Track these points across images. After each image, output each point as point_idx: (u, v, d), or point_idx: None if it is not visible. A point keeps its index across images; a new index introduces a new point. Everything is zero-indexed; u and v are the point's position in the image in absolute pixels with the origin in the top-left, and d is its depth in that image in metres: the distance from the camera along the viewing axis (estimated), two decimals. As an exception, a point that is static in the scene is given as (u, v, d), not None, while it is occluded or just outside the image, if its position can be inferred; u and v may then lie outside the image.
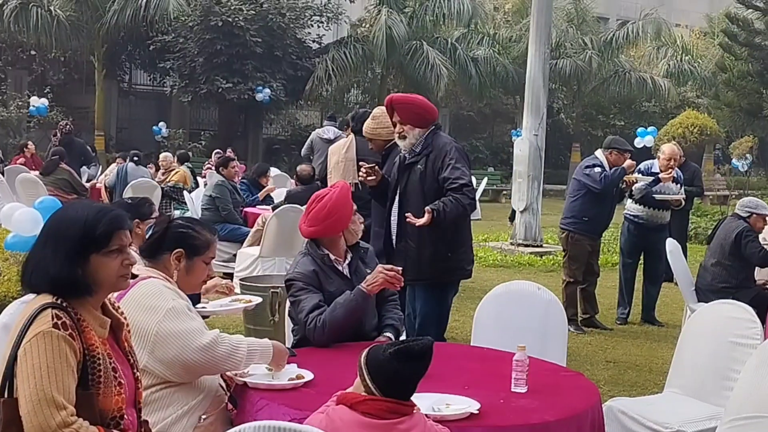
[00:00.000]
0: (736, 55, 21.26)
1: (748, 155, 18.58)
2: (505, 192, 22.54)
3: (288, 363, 3.27)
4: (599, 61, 26.58)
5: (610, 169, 7.74)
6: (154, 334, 2.97)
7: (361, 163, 5.25)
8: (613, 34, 27.49)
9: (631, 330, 8.17)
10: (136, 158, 12.81)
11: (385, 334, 3.92)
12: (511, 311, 4.33)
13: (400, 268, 3.85)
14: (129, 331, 2.63)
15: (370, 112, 7.00)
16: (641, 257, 8.51)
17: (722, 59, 22.61)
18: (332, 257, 3.92)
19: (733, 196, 22.16)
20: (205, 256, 3.29)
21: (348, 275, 3.92)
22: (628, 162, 7.79)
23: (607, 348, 7.42)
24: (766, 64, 20.48)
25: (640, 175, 8.11)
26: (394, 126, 5.03)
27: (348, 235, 3.99)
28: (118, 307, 2.63)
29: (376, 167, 5.14)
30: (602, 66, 27.04)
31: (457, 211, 4.81)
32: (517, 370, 3.09)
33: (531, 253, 12.41)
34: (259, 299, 3.91)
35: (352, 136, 7.10)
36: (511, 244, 13.01)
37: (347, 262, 3.97)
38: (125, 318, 2.63)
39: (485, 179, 21.27)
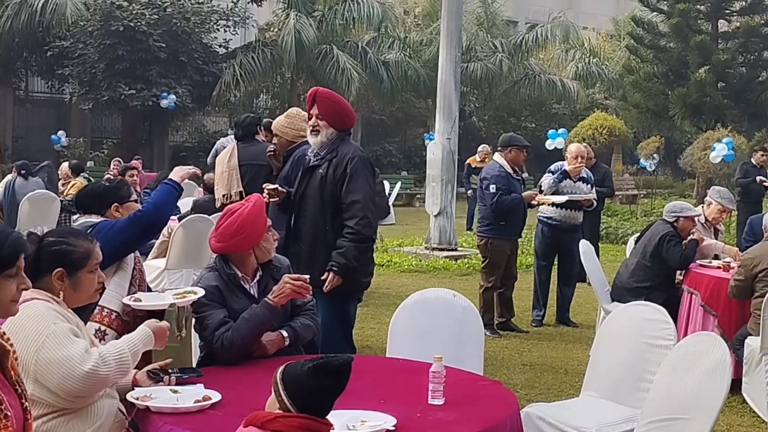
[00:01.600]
0: (642, 57, 21.91)
1: (655, 155, 19.17)
2: (419, 196, 22.69)
3: (194, 383, 3.14)
4: (510, 64, 26.99)
5: (512, 168, 7.81)
6: (34, 363, 2.81)
7: (265, 185, 5.08)
8: (523, 37, 27.98)
9: (546, 332, 8.27)
10: (23, 171, 11.63)
11: (280, 331, 3.73)
12: (427, 319, 4.28)
13: (308, 277, 3.74)
14: (16, 359, 2.46)
15: (253, 118, 6.94)
16: (555, 259, 8.60)
17: (629, 61, 23.27)
18: (239, 275, 3.77)
19: (642, 196, 22.86)
20: (88, 267, 3.10)
21: (255, 294, 3.77)
22: (528, 193, 7.90)
23: (523, 351, 7.49)
24: (671, 66, 21.17)
25: (549, 182, 8.18)
26: (310, 118, 4.87)
27: (259, 252, 3.83)
28: (3, 333, 2.46)
29: (279, 188, 4.99)
30: (513, 69, 27.47)
31: (358, 247, 4.67)
32: (433, 381, 3.04)
33: (446, 257, 12.49)
34: (203, 291, 3.74)
35: (234, 143, 6.98)
36: (426, 248, 13.05)
37: (256, 280, 3.83)
38: (11, 345, 2.46)
39: (398, 183, 21.31)
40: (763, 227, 6.12)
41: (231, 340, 3.52)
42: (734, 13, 21.62)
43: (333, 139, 4.83)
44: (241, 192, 6.29)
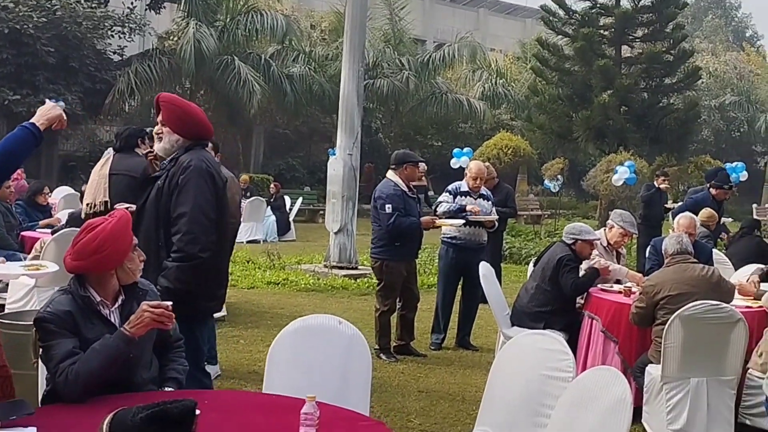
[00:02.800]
0: (548, 80, 22.19)
1: (559, 176, 19.35)
2: (321, 212, 22.42)
3: (23, 426, 2.72)
4: (416, 81, 27.10)
5: (407, 186, 7.60)
6: None
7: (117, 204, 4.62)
8: (430, 56, 28.13)
9: (445, 356, 8.05)
10: None
11: (165, 388, 3.45)
12: (309, 349, 3.94)
13: (169, 303, 3.35)
14: None
15: (133, 129, 6.59)
16: (461, 280, 8.36)
17: (534, 83, 23.55)
18: (97, 299, 3.37)
19: (546, 216, 23.13)
20: None
21: (115, 322, 3.37)
22: (426, 219, 7.67)
23: (419, 377, 7.23)
24: (576, 89, 21.49)
25: (445, 209, 7.98)
26: (156, 125, 4.52)
27: (122, 273, 3.44)
28: None
29: (130, 207, 4.51)
30: (420, 87, 27.61)
31: (181, 267, 4.12)
32: (305, 424, 2.70)
33: (345, 275, 12.22)
34: (56, 267, 3.25)
35: (111, 152, 6.57)
36: (325, 266, 12.74)
37: (117, 305, 3.43)
38: None
39: (300, 199, 21.04)
40: (663, 251, 6.02)
41: (77, 373, 3.10)
42: (637, 39, 22.13)
43: (177, 148, 4.40)
44: (106, 202, 5.86)
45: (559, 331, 6.63)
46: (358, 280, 12.00)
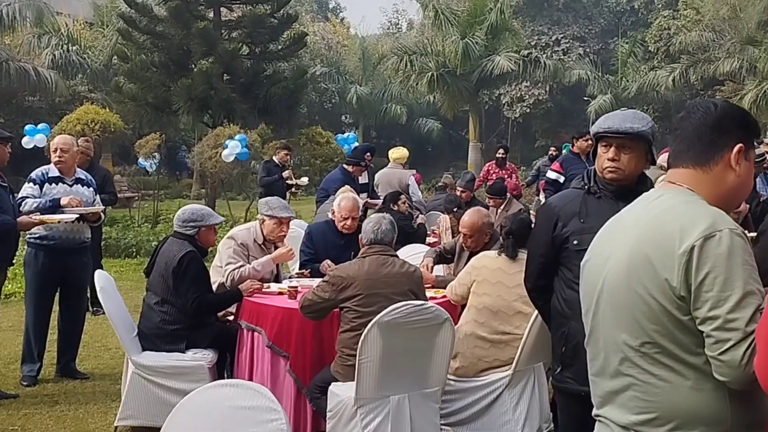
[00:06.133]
0: (138, 44, 20.70)
1: (156, 154, 17.95)
2: None
3: None
4: (-44, 47, 24.15)
5: None
6: None
7: None
8: (-15, 16, 25.19)
9: (45, 393, 6.57)
10: None
11: None
12: None
13: None
14: None
15: None
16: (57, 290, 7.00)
17: (122, 48, 21.88)
18: None
19: (136, 198, 21.71)
20: None
21: None
22: (24, 219, 6.26)
23: (14, 430, 5.69)
24: (171, 54, 20.27)
25: (33, 205, 6.54)
26: None
27: None
28: None
29: None
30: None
31: None
32: None
33: None
34: None
35: None
36: None
37: None
38: None
39: None
40: (360, 237, 5.11)
41: None
42: (237, 2, 21.52)
43: None
44: None
45: (206, 348, 5.66)
46: None
